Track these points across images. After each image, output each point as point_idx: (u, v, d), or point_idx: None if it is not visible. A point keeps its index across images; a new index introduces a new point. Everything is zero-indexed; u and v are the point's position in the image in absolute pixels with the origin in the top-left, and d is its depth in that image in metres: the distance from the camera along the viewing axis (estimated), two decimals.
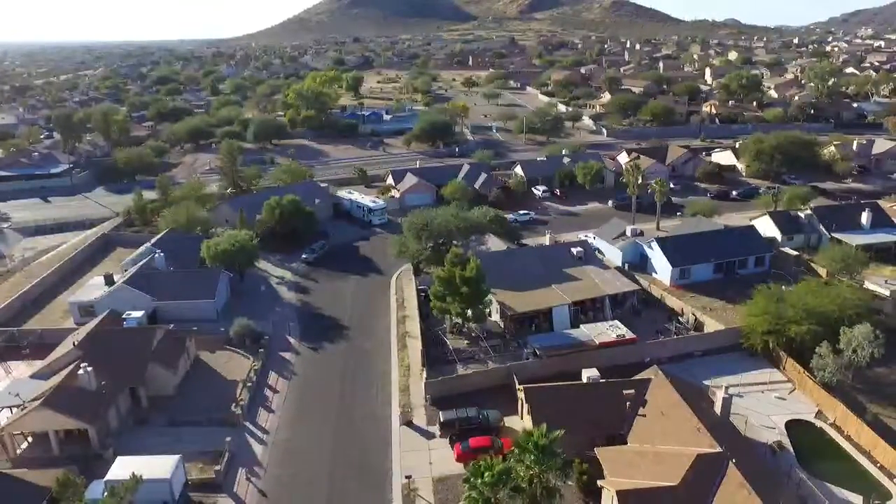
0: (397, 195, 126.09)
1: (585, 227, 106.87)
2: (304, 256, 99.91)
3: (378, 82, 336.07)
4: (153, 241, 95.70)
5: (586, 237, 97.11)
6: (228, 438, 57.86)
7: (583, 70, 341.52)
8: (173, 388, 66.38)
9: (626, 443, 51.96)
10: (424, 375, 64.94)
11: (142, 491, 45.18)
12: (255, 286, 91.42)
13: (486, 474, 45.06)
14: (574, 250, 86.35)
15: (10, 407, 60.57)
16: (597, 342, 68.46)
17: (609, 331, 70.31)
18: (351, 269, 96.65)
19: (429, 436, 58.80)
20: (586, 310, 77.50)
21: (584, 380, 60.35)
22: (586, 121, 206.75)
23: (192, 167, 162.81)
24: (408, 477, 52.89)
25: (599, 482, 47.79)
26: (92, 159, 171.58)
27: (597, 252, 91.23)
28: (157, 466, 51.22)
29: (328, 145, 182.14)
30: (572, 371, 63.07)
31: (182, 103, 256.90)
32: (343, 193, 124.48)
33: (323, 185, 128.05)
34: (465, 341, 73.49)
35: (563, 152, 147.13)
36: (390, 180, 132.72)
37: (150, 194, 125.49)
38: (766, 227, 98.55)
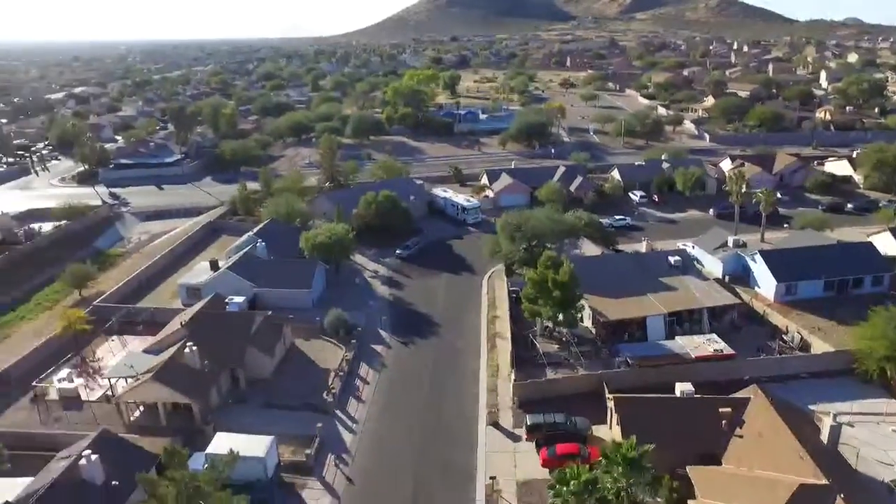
0: (492, 195, 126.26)
1: (684, 235, 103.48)
2: (398, 252, 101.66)
3: (475, 81, 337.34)
4: (255, 230, 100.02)
5: (685, 246, 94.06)
6: (319, 424, 59.74)
7: (686, 72, 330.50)
8: (270, 372, 69.21)
9: (719, 464, 49.92)
10: (513, 377, 64.81)
11: (238, 467, 47.28)
12: (349, 279, 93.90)
13: (573, 482, 44.57)
14: (671, 259, 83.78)
15: (126, 377, 64.97)
16: (693, 355, 66.22)
17: (706, 344, 67.84)
18: (444, 267, 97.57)
19: (515, 438, 58.65)
20: (682, 321, 75.05)
21: (678, 393, 58.52)
22: (688, 125, 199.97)
23: (292, 160, 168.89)
24: (492, 478, 52.96)
25: (690, 502, 46.24)
26: (201, 150, 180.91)
27: (695, 262, 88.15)
28: (252, 445, 53.59)
29: (424, 143, 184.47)
30: (665, 384, 61.17)
31: (285, 99, 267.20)
32: (438, 191, 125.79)
33: (418, 182, 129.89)
34: (556, 345, 72.79)
35: (663, 157, 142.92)
36: (485, 180, 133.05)
37: (253, 185, 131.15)
38: (886, 244, 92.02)
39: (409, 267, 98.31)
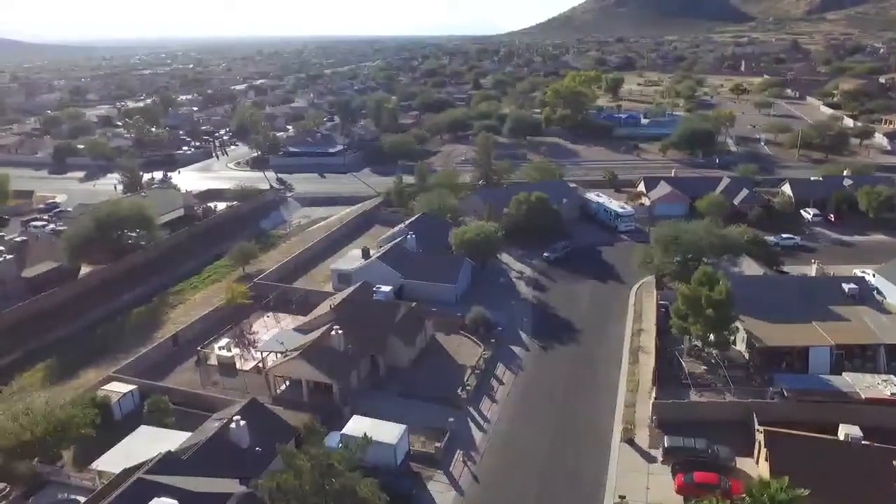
0: (647, 203, 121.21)
1: (863, 261, 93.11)
2: (545, 254, 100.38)
3: (638, 84, 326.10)
4: (407, 222, 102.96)
5: (864, 273, 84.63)
6: (451, 419, 60.23)
7: (882, 79, 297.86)
8: (409, 361, 70.84)
9: None
10: (654, 395, 61.60)
11: (370, 450, 48.68)
12: (494, 277, 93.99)
13: None
14: (846, 286, 75.72)
15: (276, 352, 69.29)
16: (863, 396, 59.36)
17: (881, 386, 60.52)
18: (591, 273, 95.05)
19: (650, 459, 55.77)
20: (853, 357, 67.54)
21: (841, 437, 52.73)
22: (879, 138, 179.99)
23: (448, 156, 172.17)
24: (622, 497, 50.74)
25: None
26: (363, 142, 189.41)
27: (875, 292, 79.16)
28: (385, 431, 55.11)
29: (581, 146, 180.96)
30: (826, 423, 55.01)
31: (445, 95, 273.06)
32: (591, 196, 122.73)
33: (572, 185, 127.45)
34: (703, 367, 68.34)
35: (845, 173, 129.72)
36: (641, 187, 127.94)
37: (408, 178, 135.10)
38: None
39: (555, 270, 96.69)
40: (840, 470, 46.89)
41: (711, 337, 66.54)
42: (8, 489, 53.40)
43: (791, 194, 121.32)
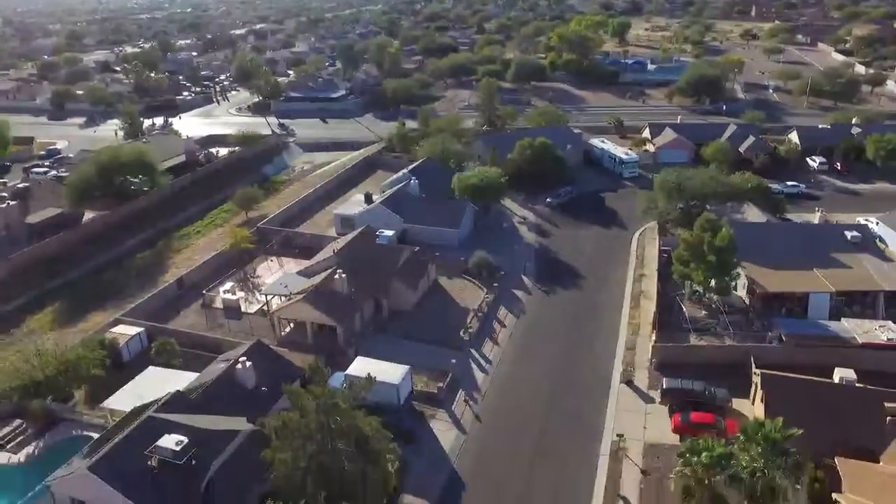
0: (652, 150, 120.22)
1: (867, 209, 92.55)
2: (548, 200, 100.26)
3: (645, 30, 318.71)
4: (410, 167, 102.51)
5: (867, 221, 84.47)
6: (454, 361, 61.34)
7: None
8: (412, 305, 71.61)
9: (876, 462, 45.44)
10: (654, 338, 62.45)
11: (374, 390, 49.61)
12: (497, 222, 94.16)
13: (705, 454, 42.48)
14: (849, 234, 75.76)
15: (280, 296, 70.00)
16: (860, 341, 60.05)
17: (879, 331, 61.14)
18: (594, 219, 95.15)
19: (648, 399, 56.94)
20: (852, 303, 68.07)
21: (836, 379, 53.61)
22: (891, 86, 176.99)
23: (452, 101, 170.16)
24: (619, 435, 51.96)
25: (835, 496, 42.65)
26: (365, 87, 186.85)
27: (878, 241, 79.17)
28: (389, 372, 56.14)
29: (586, 91, 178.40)
30: (822, 367, 55.71)
31: (449, 40, 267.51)
32: (595, 142, 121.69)
33: (576, 131, 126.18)
34: (703, 311, 69.05)
35: (854, 121, 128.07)
36: (646, 133, 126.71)
37: (411, 124, 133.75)
38: None
39: (558, 216, 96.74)
40: (833, 411, 47.85)
41: (712, 283, 66.98)
42: (24, 425, 54.88)
43: (798, 142, 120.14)
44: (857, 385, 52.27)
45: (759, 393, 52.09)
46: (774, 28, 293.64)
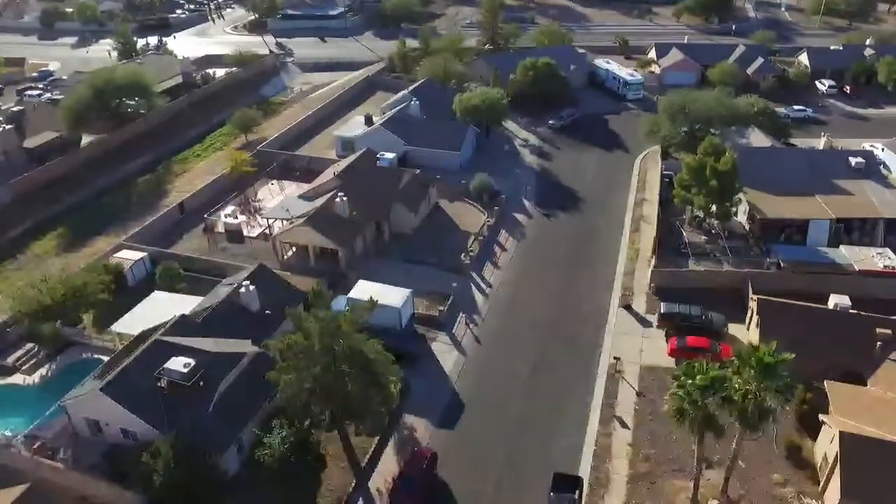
0: (657, 71, 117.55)
1: (874, 135, 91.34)
2: (551, 122, 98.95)
3: None
4: (410, 88, 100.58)
5: (872, 147, 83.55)
6: (455, 284, 62.16)
7: None
8: (412, 228, 71.92)
9: (864, 385, 46.75)
10: (653, 263, 63.07)
11: (375, 313, 50.47)
12: (499, 145, 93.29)
13: (699, 377, 43.40)
14: (853, 160, 75.11)
15: (282, 219, 70.20)
16: (857, 268, 60.62)
17: (876, 259, 61.62)
18: (596, 142, 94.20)
19: (645, 323, 58.07)
20: (851, 230, 68.29)
21: (831, 305, 54.50)
22: None
23: (453, 19, 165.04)
24: (616, 358, 53.30)
25: (822, 416, 44.11)
26: (364, 4, 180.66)
27: (882, 167, 78.59)
28: (390, 295, 56.95)
29: (592, 9, 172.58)
30: (817, 293, 56.63)
31: None
32: (600, 62, 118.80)
33: (581, 51, 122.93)
34: (703, 237, 69.42)
35: (867, 42, 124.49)
36: (652, 54, 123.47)
37: (412, 42, 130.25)
38: None
39: (560, 139, 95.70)
40: (825, 335, 48.89)
41: (713, 208, 66.95)
42: (36, 348, 56.19)
43: (808, 64, 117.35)
44: (850, 311, 53.14)
45: (755, 318, 53.01)
46: None
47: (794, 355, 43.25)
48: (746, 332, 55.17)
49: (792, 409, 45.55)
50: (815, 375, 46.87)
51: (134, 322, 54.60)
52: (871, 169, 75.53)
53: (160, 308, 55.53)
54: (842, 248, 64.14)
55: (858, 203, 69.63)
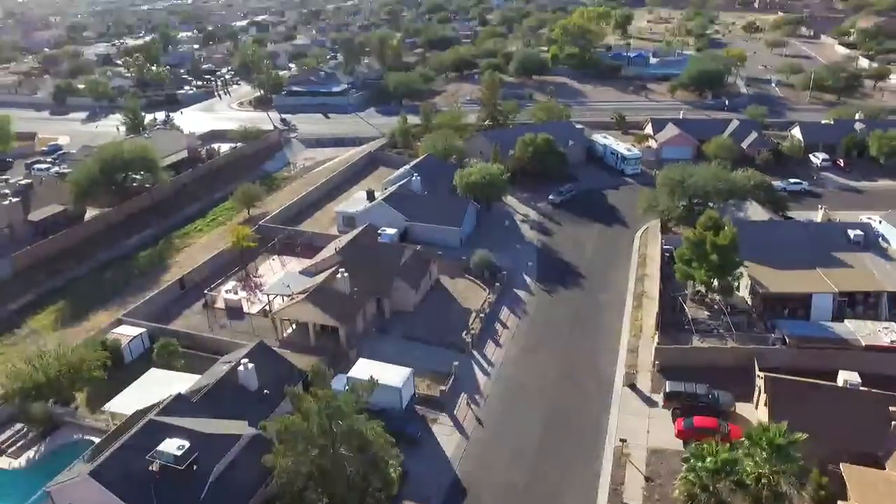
0: (654, 145, 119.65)
1: (871, 208, 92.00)
2: (551, 197, 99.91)
3: (648, 21, 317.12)
4: (412, 164, 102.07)
5: (870, 220, 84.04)
6: (456, 363, 61.16)
7: None
8: (413, 305, 71.44)
9: (882, 468, 45.30)
10: (656, 340, 62.37)
11: (376, 393, 49.55)
12: (499, 220, 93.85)
13: (709, 459, 42.49)
14: (852, 233, 75.46)
15: (282, 295, 69.85)
16: (863, 343, 59.87)
17: (882, 333, 60.98)
18: (596, 217, 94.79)
19: (651, 403, 56.84)
20: (855, 304, 67.82)
21: (841, 383, 53.46)
22: (895, 80, 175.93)
23: (454, 96, 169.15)
24: (622, 440, 51.90)
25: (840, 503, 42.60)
26: (367, 81, 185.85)
27: (880, 239, 78.75)
28: (391, 374, 56.04)
29: (588, 85, 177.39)
30: (826, 370, 55.60)
31: (451, 32, 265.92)
32: (598, 137, 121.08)
33: (578, 126, 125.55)
34: (706, 312, 68.85)
35: (857, 116, 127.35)
36: (649, 129, 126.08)
37: (413, 119, 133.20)
38: None
39: (560, 214, 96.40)
40: (838, 415, 47.70)
41: (715, 282, 66.77)
42: (25, 429, 54.85)
43: (801, 138, 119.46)
44: (861, 388, 52.08)
45: (763, 396, 51.94)
46: (779, 20, 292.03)
47: (805, 435, 42.32)
48: (755, 412, 53.98)
49: (807, 494, 44.01)
50: (829, 458, 45.50)
51: (129, 401, 53.59)
52: (871, 241, 75.70)
53: (156, 386, 54.64)
54: (847, 322, 63.52)
55: (860, 276, 69.39)
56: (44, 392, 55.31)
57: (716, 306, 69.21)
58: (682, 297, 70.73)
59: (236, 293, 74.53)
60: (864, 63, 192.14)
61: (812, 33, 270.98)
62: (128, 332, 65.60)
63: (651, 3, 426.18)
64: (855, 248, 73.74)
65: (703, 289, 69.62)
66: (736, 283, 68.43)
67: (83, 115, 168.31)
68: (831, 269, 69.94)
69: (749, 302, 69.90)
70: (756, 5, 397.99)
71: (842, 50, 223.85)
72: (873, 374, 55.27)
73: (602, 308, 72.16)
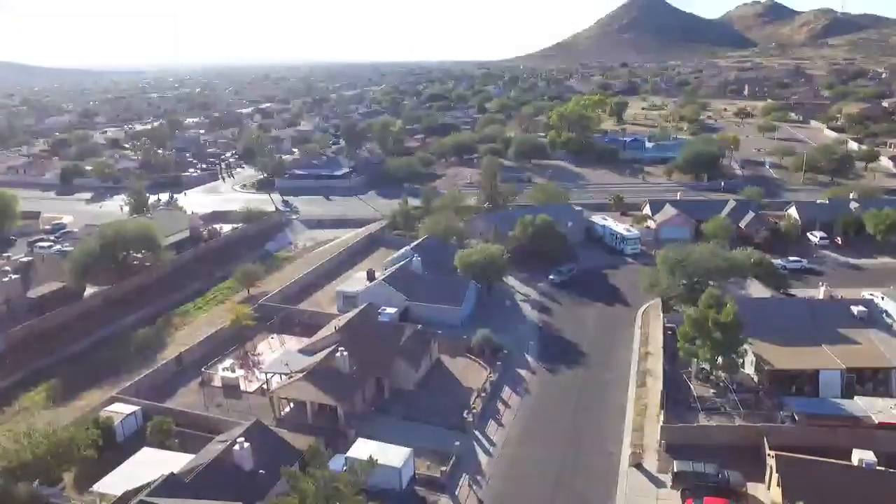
0: (653, 226, 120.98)
1: (871, 284, 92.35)
2: (551, 277, 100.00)
3: (642, 108, 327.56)
4: (413, 245, 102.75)
5: (872, 296, 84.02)
6: (457, 443, 59.50)
7: (885, 103, 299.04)
8: (414, 384, 70.24)
9: None
10: (662, 419, 60.90)
11: (375, 474, 48.06)
12: (500, 300, 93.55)
13: None
14: (855, 309, 75.23)
15: (281, 374, 68.77)
16: (875, 420, 58.50)
17: (894, 410, 59.70)
18: (597, 297, 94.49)
19: (658, 483, 54.91)
20: (864, 380, 66.75)
21: (855, 461, 51.86)
22: (885, 162, 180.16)
23: (453, 179, 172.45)
24: None
25: None
26: (369, 165, 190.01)
27: (884, 315, 78.46)
28: (390, 455, 54.46)
29: (586, 169, 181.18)
30: (838, 448, 54.13)
31: (451, 119, 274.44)
32: (597, 219, 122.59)
33: (577, 208, 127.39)
34: (712, 390, 67.58)
35: (851, 196, 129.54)
36: (647, 210, 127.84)
37: (414, 201, 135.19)
38: None
39: (561, 293, 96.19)
40: (852, 495, 46.04)
41: (719, 360, 65.92)
42: None
43: (797, 217, 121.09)
44: (877, 468, 50.47)
45: (775, 476, 50.28)
46: (768, 106, 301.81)
47: None
48: (767, 492, 52.12)
49: None
50: None
51: (119, 481, 51.83)
52: (874, 318, 75.36)
53: (149, 466, 52.97)
54: (857, 399, 62.26)
55: (868, 352, 68.58)
56: (30, 471, 53.42)
57: (721, 384, 68.03)
58: (686, 375, 69.67)
59: (234, 371, 73.45)
60: (853, 146, 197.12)
61: (801, 118, 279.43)
62: (121, 410, 64.10)
63: (644, 91, 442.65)
64: (859, 325, 73.30)
65: (707, 366, 68.65)
66: (741, 361, 67.49)
67: (88, 195, 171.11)
68: (837, 345, 69.32)
69: (755, 379, 68.79)
70: (745, 93, 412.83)
71: (831, 134, 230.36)
72: (888, 453, 53.74)
73: (605, 386, 70.88)
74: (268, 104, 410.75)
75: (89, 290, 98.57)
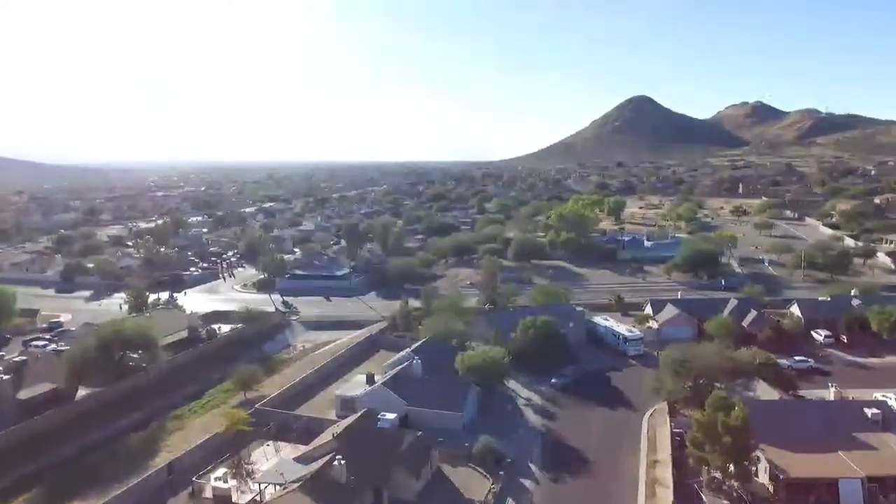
0: (655, 326, 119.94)
1: (881, 384, 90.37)
2: (553, 381, 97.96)
3: (640, 208, 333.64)
4: (413, 347, 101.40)
5: (885, 397, 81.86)
6: None
7: (877, 200, 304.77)
8: (414, 494, 67.23)
9: None
10: None
11: None
12: (501, 404, 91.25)
13: None
14: (868, 412, 72.92)
15: (275, 484, 65.88)
16: None
17: None
18: (600, 400, 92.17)
19: None
20: (887, 490, 63.88)
21: None
22: (882, 258, 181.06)
23: (454, 280, 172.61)
24: None
25: None
26: (369, 266, 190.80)
27: None
28: None
29: (586, 269, 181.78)
30: None
31: (451, 219, 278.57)
32: (598, 319, 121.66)
33: (578, 308, 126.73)
34: (725, 501, 64.56)
35: (853, 293, 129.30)
36: (648, 310, 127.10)
37: (414, 302, 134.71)
38: None
39: (564, 397, 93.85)
40: None
41: (731, 468, 63.34)
42: None
43: (800, 315, 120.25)
44: None
45: None
46: (763, 204, 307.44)
47: None
48: None
49: None
50: None
51: None
52: (890, 420, 72.88)
53: None
54: None
55: (889, 459, 65.77)
56: None
57: (735, 494, 65.08)
58: (697, 485, 66.78)
59: (226, 481, 70.38)
60: (849, 242, 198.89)
61: (796, 215, 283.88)
62: None
63: (641, 190, 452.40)
64: (874, 428, 70.88)
65: (719, 475, 65.93)
66: (754, 469, 64.91)
67: (88, 293, 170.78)
68: (854, 451, 66.74)
69: (770, 489, 65.82)
70: (740, 191, 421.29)
71: (827, 230, 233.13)
72: None
73: (612, 497, 67.70)
74: (270, 203, 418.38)
75: (82, 392, 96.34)
